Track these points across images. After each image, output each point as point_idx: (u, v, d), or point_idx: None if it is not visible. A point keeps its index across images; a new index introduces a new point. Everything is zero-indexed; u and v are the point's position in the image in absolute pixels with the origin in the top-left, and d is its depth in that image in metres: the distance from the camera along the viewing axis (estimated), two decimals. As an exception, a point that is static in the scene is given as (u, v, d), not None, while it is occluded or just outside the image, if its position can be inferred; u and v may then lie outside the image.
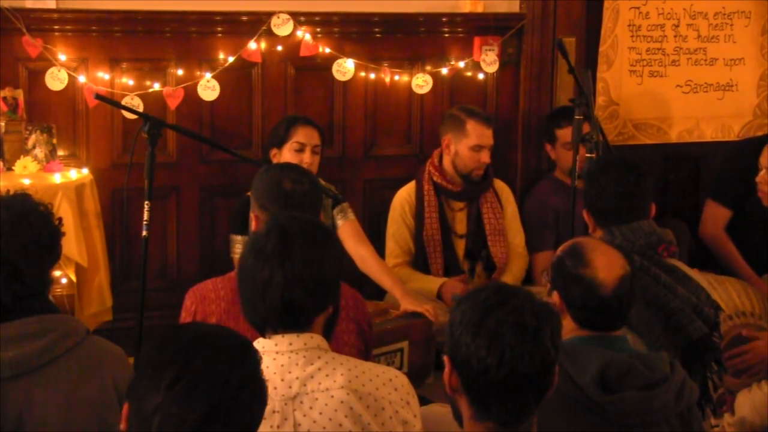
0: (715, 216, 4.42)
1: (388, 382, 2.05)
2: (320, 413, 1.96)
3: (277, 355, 2.01)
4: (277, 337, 2.03)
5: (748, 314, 3.39)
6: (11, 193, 2.34)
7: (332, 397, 1.97)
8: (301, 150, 3.82)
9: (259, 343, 2.05)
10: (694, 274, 2.88)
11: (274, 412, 1.95)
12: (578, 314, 2.26)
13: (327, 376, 2.00)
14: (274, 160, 3.84)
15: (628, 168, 2.87)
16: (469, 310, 1.76)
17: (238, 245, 3.78)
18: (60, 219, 2.29)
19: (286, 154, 3.82)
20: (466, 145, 4.10)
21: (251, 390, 1.59)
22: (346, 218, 3.84)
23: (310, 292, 2.02)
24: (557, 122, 4.45)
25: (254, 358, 1.64)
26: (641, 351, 2.50)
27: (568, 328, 2.28)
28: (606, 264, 2.25)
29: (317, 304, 2.05)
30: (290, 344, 2.02)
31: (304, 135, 3.84)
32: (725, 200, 4.41)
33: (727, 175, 4.45)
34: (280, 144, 3.85)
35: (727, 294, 3.36)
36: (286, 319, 2.02)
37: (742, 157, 4.45)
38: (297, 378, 1.98)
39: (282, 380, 1.98)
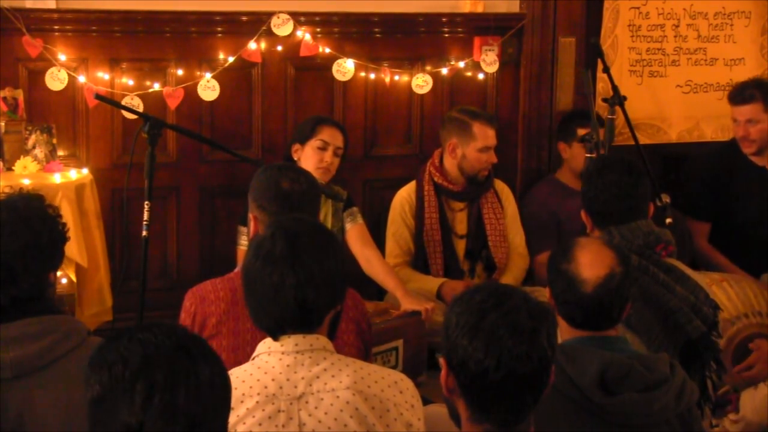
0: (696, 231, 4.45)
1: (394, 384, 2.06)
2: (325, 413, 1.97)
3: (282, 356, 2.02)
4: (283, 338, 2.04)
5: (765, 314, 3.41)
6: (23, 191, 2.32)
7: (338, 397, 1.98)
8: (323, 148, 3.83)
9: (265, 344, 2.06)
10: (693, 273, 2.88)
11: (279, 411, 1.96)
12: (561, 309, 2.28)
13: (333, 376, 2.00)
14: (296, 156, 3.87)
15: (626, 169, 2.87)
16: (465, 312, 1.76)
17: (243, 236, 3.79)
18: (65, 224, 2.27)
19: (308, 151, 3.84)
20: (474, 148, 4.10)
21: (219, 378, 1.56)
22: (355, 222, 3.89)
23: (322, 290, 2.04)
24: (581, 121, 4.31)
25: (205, 344, 1.60)
26: (641, 352, 2.50)
27: (565, 327, 2.29)
28: (590, 262, 2.26)
29: (329, 302, 2.08)
30: (296, 345, 2.03)
31: (329, 134, 3.86)
32: (701, 215, 4.43)
33: (696, 190, 4.47)
34: (303, 140, 3.87)
35: (744, 293, 3.38)
36: (301, 319, 2.04)
37: (706, 167, 4.48)
38: (303, 378, 1.99)
39: (287, 380, 1.99)
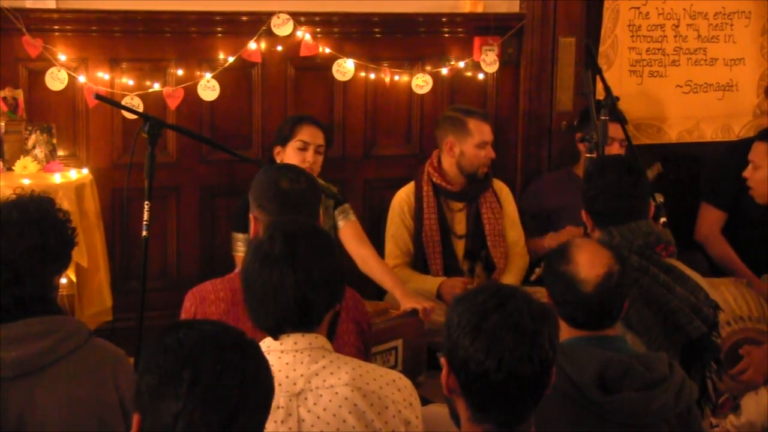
0: (710, 218, 4.44)
1: (392, 382, 2.08)
2: (324, 409, 1.99)
3: (282, 354, 2.04)
4: (282, 337, 2.06)
5: (746, 318, 3.39)
6: (34, 193, 2.32)
7: (336, 393, 2.00)
8: (304, 149, 3.82)
9: (264, 343, 2.07)
10: (693, 274, 2.89)
11: (278, 407, 1.98)
12: (562, 311, 2.28)
13: (331, 374, 2.02)
14: (278, 158, 3.86)
15: (626, 169, 2.87)
16: (467, 312, 1.76)
17: (239, 243, 3.79)
18: (74, 229, 2.28)
19: (290, 153, 3.83)
20: (472, 144, 4.11)
21: (264, 380, 1.61)
22: (348, 219, 3.86)
23: (321, 289, 2.07)
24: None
25: (258, 348, 1.65)
26: (640, 351, 2.50)
27: (564, 327, 2.29)
28: (588, 261, 2.26)
29: (328, 301, 2.10)
30: (295, 343, 2.05)
31: (308, 134, 3.85)
32: (719, 202, 4.43)
33: (720, 177, 4.48)
34: (284, 142, 3.86)
35: (723, 298, 3.35)
36: (300, 319, 2.06)
37: (734, 158, 4.47)
38: (302, 375, 2.01)
39: (287, 377, 2.00)
